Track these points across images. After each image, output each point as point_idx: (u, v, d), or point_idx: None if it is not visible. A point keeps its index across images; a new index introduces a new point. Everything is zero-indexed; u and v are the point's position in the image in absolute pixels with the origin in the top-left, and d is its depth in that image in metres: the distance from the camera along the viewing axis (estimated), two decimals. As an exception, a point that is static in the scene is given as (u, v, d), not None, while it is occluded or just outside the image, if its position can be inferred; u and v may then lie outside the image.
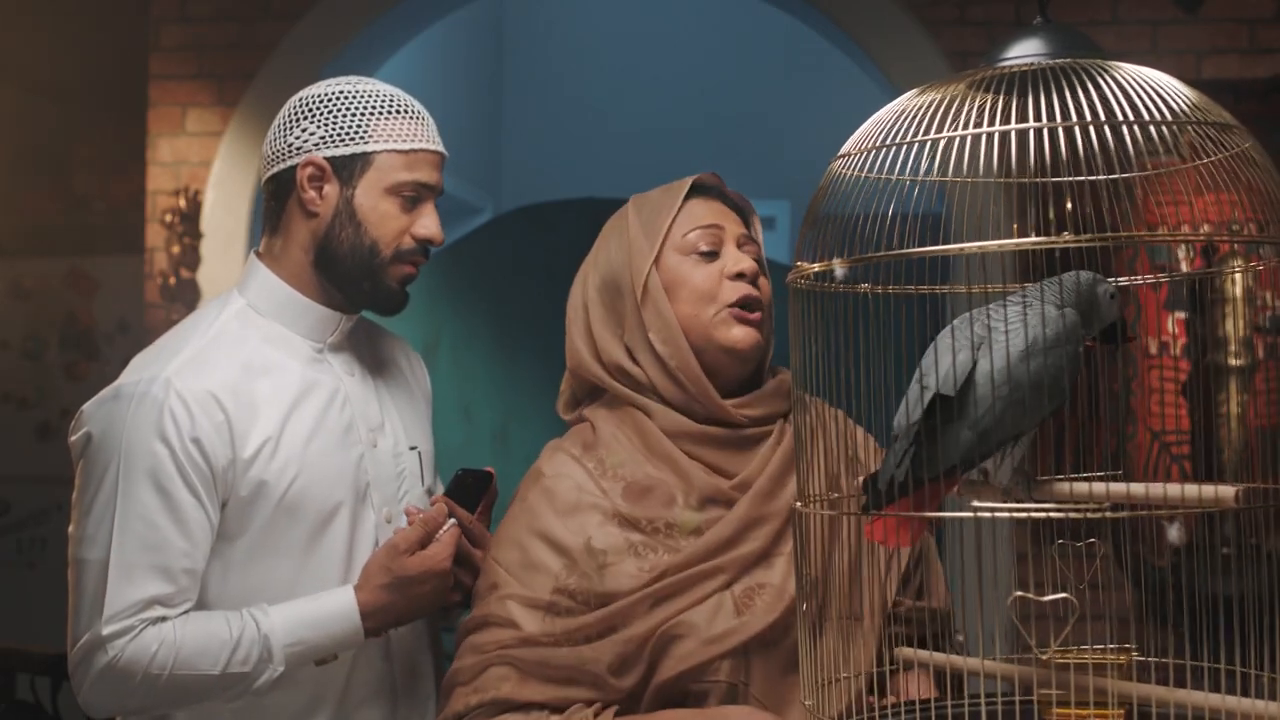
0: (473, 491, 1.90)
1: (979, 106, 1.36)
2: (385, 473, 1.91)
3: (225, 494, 1.79)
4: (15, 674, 3.43)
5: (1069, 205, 1.36)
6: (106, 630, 1.72)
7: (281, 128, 1.88)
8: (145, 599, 1.73)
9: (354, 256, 1.86)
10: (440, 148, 1.90)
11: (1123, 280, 1.50)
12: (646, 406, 1.76)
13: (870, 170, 1.43)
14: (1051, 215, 1.36)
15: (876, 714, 1.46)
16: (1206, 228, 1.64)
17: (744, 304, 1.76)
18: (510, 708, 1.66)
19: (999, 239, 1.31)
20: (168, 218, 4.43)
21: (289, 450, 1.81)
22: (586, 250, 1.88)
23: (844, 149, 1.44)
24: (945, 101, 1.37)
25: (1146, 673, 1.44)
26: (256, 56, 4.44)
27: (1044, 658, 1.38)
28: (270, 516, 1.80)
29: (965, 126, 1.34)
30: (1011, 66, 1.36)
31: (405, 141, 1.86)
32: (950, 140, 1.34)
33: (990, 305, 1.43)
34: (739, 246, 1.80)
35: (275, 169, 1.88)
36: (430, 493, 1.99)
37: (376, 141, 1.85)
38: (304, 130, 1.85)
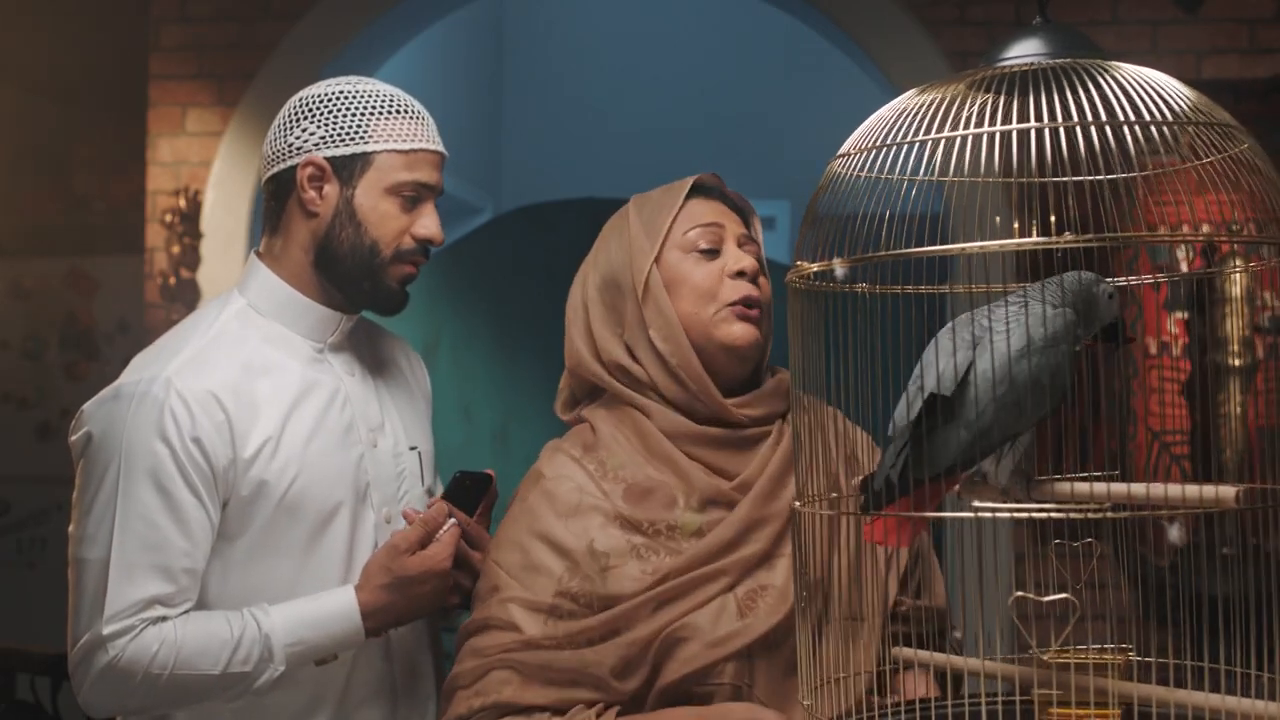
0: (472, 494, 1.90)
1: (979, 106, 1.35)
2: (385, 473, 1.91)
3: (226, 494, 1.79)
4: (15, 674, 3.43)
5: (1069, 205, 1.36)
6: (107, 630, 1.72)
7: (281, 128, 1.88)
8: (146, 599, 1.73)
9: (354, 256, 1.86)
10: (440, 148, 1.90)
11: (1122, 280, 1.50)
12: (646, 406, 1.76)
13: (870, 170, 1.43)
14: (1051, 215, 1.36)
15: (876, 714, 1.46)
16: (1206, 228, 1.64)
17: (744, 302, 1.76)
18: (512, 711, 1.66)
19: (998, 239, 1.30)
20: (168, 218, 4.42)
21: (289, 450, 1.81)
22: (586, 250, 1.88)
23: (844, 149, 1.44)
24: (945, 101, 1.37)
25: (1147, 672, 1.43)
26: (256, 56, 4.44)
27: (1043, 658, 1.38)
28: (270, 516, 1.80)
29: (965, 126, 1.33)
30: (1011, 66, 1.36)
31: (405, 141, 1.86)
32: (950, 140, 1.34)
33: (989, 305, 1.43)
34: (739, 246, 1.80)
35: (275, 169, 1.88)
36: (430, 493, 1.99)
37: (376, 141, 1.85)
38: (304, 130, 1.86)
